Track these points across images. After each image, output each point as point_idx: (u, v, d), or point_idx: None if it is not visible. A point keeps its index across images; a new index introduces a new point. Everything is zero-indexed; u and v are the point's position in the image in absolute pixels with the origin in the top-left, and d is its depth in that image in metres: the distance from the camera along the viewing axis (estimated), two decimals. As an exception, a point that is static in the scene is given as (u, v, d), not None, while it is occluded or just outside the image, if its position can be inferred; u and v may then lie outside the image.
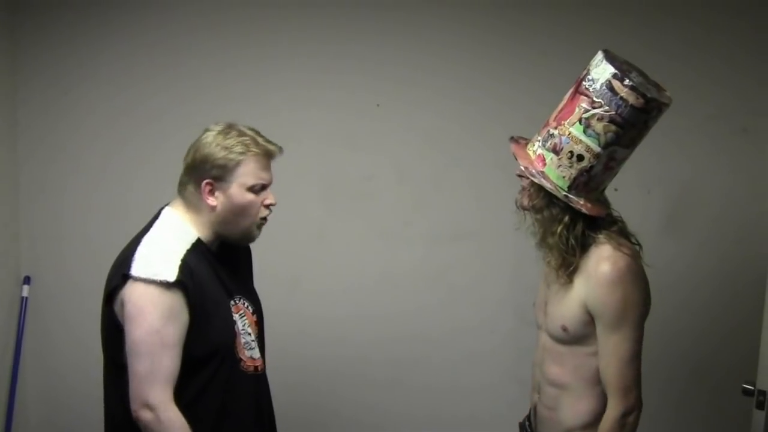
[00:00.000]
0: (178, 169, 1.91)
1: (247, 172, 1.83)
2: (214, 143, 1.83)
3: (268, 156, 1.87)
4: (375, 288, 2.98)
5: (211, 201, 1.84)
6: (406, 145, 2.95)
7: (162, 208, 1.91)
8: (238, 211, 1.85)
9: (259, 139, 1.86)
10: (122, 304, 1.75)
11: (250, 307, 1.96)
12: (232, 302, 1.89)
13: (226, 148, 1.82)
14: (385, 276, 2.98)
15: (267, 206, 1.90)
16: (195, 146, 1.86)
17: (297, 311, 2.92)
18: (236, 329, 1.88)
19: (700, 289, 2.78)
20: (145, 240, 1.81)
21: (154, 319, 1.72)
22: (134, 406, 1.74)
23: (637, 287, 1.81)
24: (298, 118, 2.92)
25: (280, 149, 1.90)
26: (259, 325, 1.99)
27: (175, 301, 1.74)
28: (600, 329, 1.83)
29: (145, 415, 1.73)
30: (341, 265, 2.99)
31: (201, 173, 1.83)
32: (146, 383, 1.72)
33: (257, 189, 1.86)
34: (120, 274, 1.76)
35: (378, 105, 2.92)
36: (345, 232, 2.99)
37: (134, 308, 1.73)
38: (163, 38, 2.95)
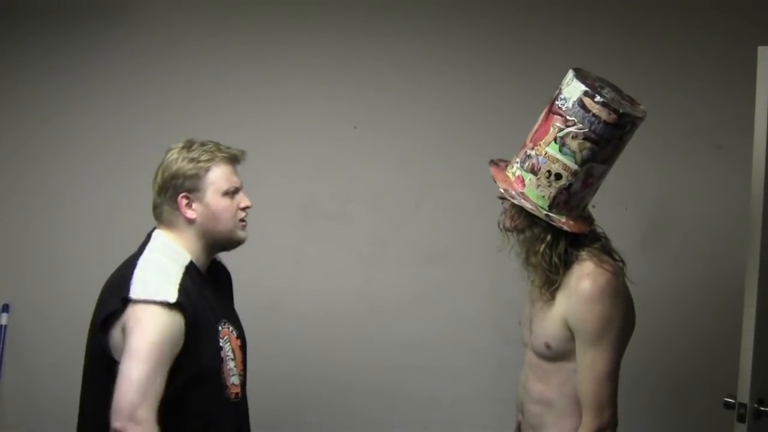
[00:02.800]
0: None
1: (219, 177, 1.87)
2: (179, 158, 1.86)
3: (234, 160, 1.92)
4: (354, 311, 2.98)
5: (190, 214, 1.86)
6: (384, 168, 2.96)
7: (151, 231, 1.91)
8: (218, 217, 1.87)
9: (222, 146, 1.91)
10: (122, 329, 1.73)
11: (234, 332, 1.95)
12: (219, 327, 1.88)
13: (192, 159, 1.86)
14: (364, 298, 2.97)
15: (243, 209, 1.92)
16: (161, 167, 1.89)
17: (275, 336, 2.89)
18: (222, 354, 1.87)
19: (677, 304, 2.80)
20: (141, 263, 1.81)
21: (155, 333, 1.70)
22: (119, 419, 1.65)
23: (618, 304, 1.81)
24: (274, 141, 2.93)
25: (243, 153, 1.94)
26: (243, 350, 1.98)
27: (175, 323, 1.73)
28: (578, 345, 1.83)
29: (133, 430, 1.65)
30: (319, 289, 2.98)
31: (174, 189, 1.86)
32: (139, 394, 1.66)
33: (231, 193, 1.89)
34: (118, 298, 1.74)
35: (355, 127, 2.94)
36: (323, 256, 2.99)
37: (136, 323, 1.71)
38: (128, 56, 2.97)
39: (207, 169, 1.87)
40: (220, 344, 1.87)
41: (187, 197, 1.86)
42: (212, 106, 2.97)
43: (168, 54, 3.00)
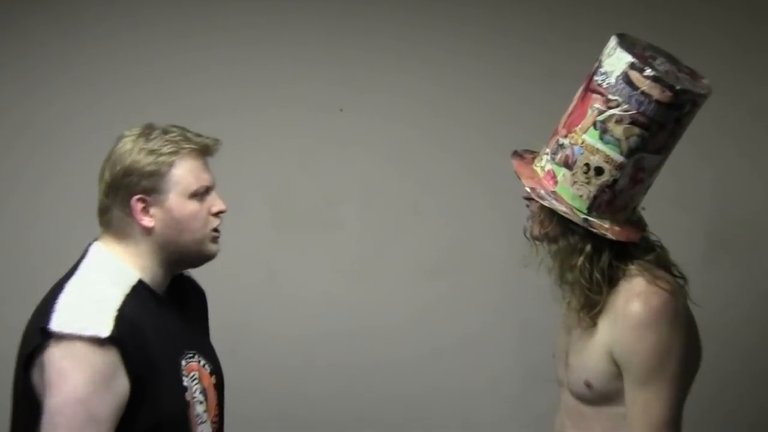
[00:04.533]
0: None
1: (185, 175, 1.81)
2: (135, 149, 1.80)
3: (204, 152, 1.86)
4: (339, 336, 2.98)
5: (147, 221, 1.80)
6: (376, 161, 2.96)
7: (89, 244, 1.86)
8: (183, 226, 1.82)
9: (189, 134, 1.85)
10: (41, 370, 1.69)
11: (207, 366, 1.90)
12: (183, 361, 1.84)
13: (152, 151, 1.79)
14: (351, 321, 2.98)
15: (216, 214, 1.87)
16: (111, 159, 1.82)
17: (241, 368, 2.78)
18: (188, 397, 1.82)
19: (746, 330, 2.81)
20: (69, 286, 1.76)
21: (79, 385, 1.65)
22: None
23: (677, 332, 1.79)
24: (240, 127, 2.90)
25: (217, 142, 1.88)
26: (219, 390, 1.94)
27: (109, 363, 1.68)
28: (628, 384, 1.81)
29: None
30: (298, 310, 2.98)
31: (127, 190, 1.79)
32: None
33: (200, 194, 1.84)
34: (38, 330, 1.69)
35: (341, 110, 2.94)
36: (302, 270, 2.99)
37: (54, 372, 1.67)
38: (66, 29, 2.95)
39: (171, 165, 1.80)
40: (185, 384, 1.82)
41: (143, 200, 1.80)
42: (161, 86, 2.94)
43: (114, 25, 2.97)
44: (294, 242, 2.99)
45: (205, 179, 1.85)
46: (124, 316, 1.72)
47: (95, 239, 1.87)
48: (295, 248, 2.99)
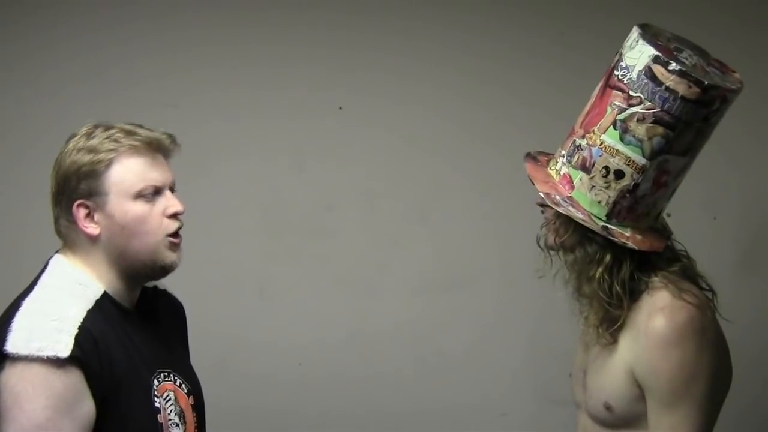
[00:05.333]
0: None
1: (126, 174, 1.78)
2: (75, 150, 1.79)
3: (153, 148, 1.82)
4: (337, 355, 2.98)
5: (91, 229, 1.78)
6: (378, 163, 2.97)
7: (51, 257, 1.86)
8: (128, 231, 1.79)
9: (137, 129, 1.82)
10: None
11: (184, 386, 1.90)
12: (155, 381, 1.83)
13: (91, 150, 1.78)
14: (351, 340, 2.98)
15: (171, 216, 1.83)
16: (56, 163, 1.82)
17: (228, 391, 2.85)
18: (160, 419, 1.81)
19: None
20: (26, 303, 1.74)
21: (37, 410, 1.64)
22: None
23: (705, 350, 1.78)
24: (227, 125, 2.93)
25: (172, 138, 1.85)
26: (197, 410, 1.93)
27: (70, 386, 1.66)
28: (651, 408, 1.80)
29: None
30: (291, 326, 2.98)
31: (69, 195, 1.79)
32: None
33: (147, 195, 1.80)
34: None
35: (340, 108, 2.94)
36: (296, 283, 2.99)
37: (10, 397, 1.65)
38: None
39: (108, 163, 1.77)
40: (156, 405, 1.81)
41: (85, 205, 1.79)
42: (141, 76, 2.95)
43: (107, 23, 2.98)
44: (288, 251, 2.99)
45: (152, 178, 1.81)
46: (86, 332, 1.71)
47: (57, 251, 1.86)
48: (289, 258, 2.99)
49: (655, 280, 1.84)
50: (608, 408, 1.85)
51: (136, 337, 1.83)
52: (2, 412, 1.66)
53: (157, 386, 1.83)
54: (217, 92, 2.95)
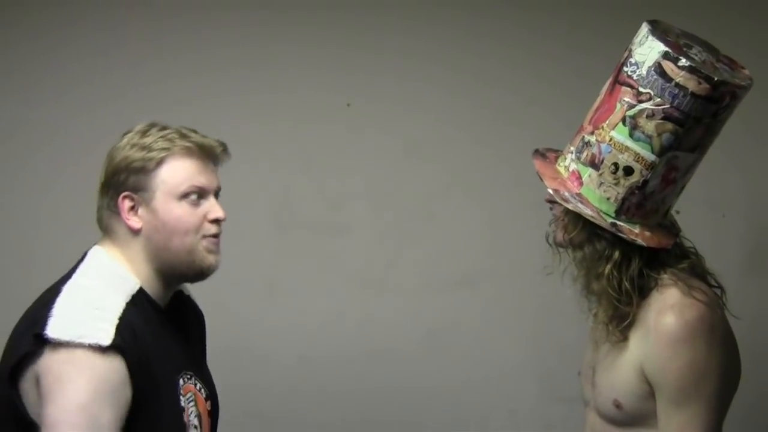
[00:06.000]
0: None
1: (174, 174, 1.82)
2: (128, 145, 1.83)
3: (204, 153, 1.86)
4: (347, 354, 2.98)
5: (134, 222, 1.82)
6: (388, 159, 2.97)
7: (89, 249, 1.88)
8: (170, 229, 1.82)
9: (191, 134, 1.87)
10: (36, 380, 1.69)
11: (203, 391, 1.91)
12: (180, 380, 1.85)
13: (144, 147, 1.82)
14: (361, 337, 2.99)
15: (213, 221, 1.87)
16: (108, 156, 1.86)
17: (238, 389, 2.77)
18: (185, 419, 1.83)
19: None
20: (66, 290, 1.76)
21: (81, 391, 1.65)
22: None
23: (715, 348, 1.78)
24: (237, 122, 2.92)
25: (224, 147, 1.90)
26: (213, 416, 1.95)
27: (113, 372, 1.68)
28: (660, 405, 1.80)
29: None
30: (300, 324, 2.99)
31: (117, 187, 1.82)
32: None
33: (192, 197, 1.84)
34: (31, 336, 1.69)
35: (348, 105, 2.95)
36: (305, 281, 3.00)
37: (52, 378, 1.66)
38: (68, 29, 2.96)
39: (159, 162, 1.81)
40: (182, 404, 1.83)
41: (131, 198, 1.82)
42: (150, 78, 2.96)
43: (115, 24, 2.98)
44: (296, 249, 3.00)
45: (198, 181, 1.85)
46: (127, 323, 1.73)
47: (95, 244, 1.88)
48: (298, 256, 3.00)
49: (665, 277, 1.84)
50: (617, 405, 1.85)
51: (167, 336, 1.86)
52: (44, 395, 1.67)
53: (182, 386, 1.85)
54: (226, 92, 2.96)
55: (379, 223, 2.99)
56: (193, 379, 1.89)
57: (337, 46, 2.96)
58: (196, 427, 1.86)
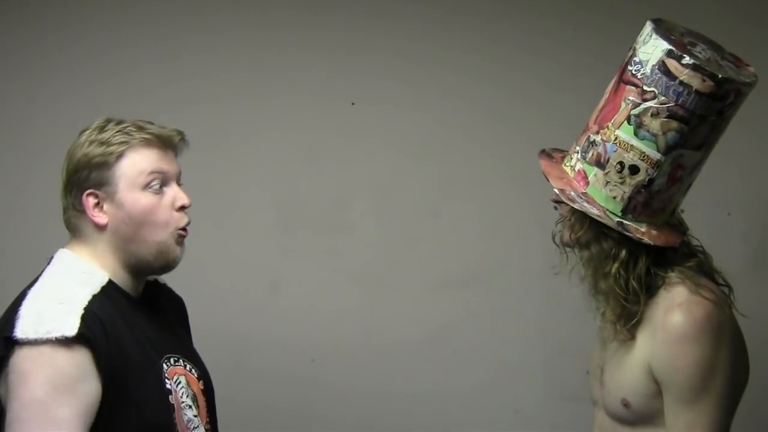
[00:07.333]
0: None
1: (135, 165, 1.83)
2: (87, 142, 1.84)
3: (162, 142, 1.87)
4: (352, 354, 2.97)
5: (99, 218, 1.82)
6: (392, 159, 2.96)
7: (56, 252, 1.89)
8: (137, 221, 1.83)
9: (148, 125, 1.87)
10: (6, 380, 1.70)
11: (194, 371, 1.93)
12: (164, 364, 1.86)
13: (103, 142, 1.83)
14: (365, 337, 2.98)
15: (180, 209, 1.87)
16: (68, 155, 1.87)
17: (242, 386, 2.86)
18: (172, 400, 1.83)
19: None
20: (32, 292, 1.78)
21: (37, 385, 1.66)
22: None
23: (723, 346, 1.78)
24: (243, 123, 2.93)
25: (181, 135, 1.90)
26: (207, 394, 1.95)
27: (74, 365, 1.68)
28: (668, 404, 1.80)
29: None
30: (304, 323, 2.97)
31: (79, 185, 1.83)
32: None
33: (155, 185, 1.84)
34: (1, 340, 1.70)
35: (353, 104, 2.94)
36: (308, 280, 2.99)
37: (16, 377, 1.68)
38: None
39: (119, 155, 1.82)
40: (168, 386, 1.84)
41: (94, 194, 1.83)
42: (156, 77, 2.95)
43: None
44: (301, 247, 2.99)
45: (159, 166, 1.85)
46: (92, 313, 1.73)
47: (62, 247, 1.90)
48: (302, 254, 2.99)
49: (672, 275, 1.84)
50: (626, 404, 1.85)
51: (142, 323, 1.86)
52: (9, 393, 1.68)
53: (166, 369, 1.86)
54: (231, 93, 2.95)
55: (383, 222, 2.98)
56: (181, 361, 1.90)
57: (341, 47, 2.95)
58: (190, 406, 1.88)
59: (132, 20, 2.96)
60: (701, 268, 1.88)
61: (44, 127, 2.93)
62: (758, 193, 2.84)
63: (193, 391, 1.90)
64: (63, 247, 1.89)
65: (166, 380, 1.84)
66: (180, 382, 1.87)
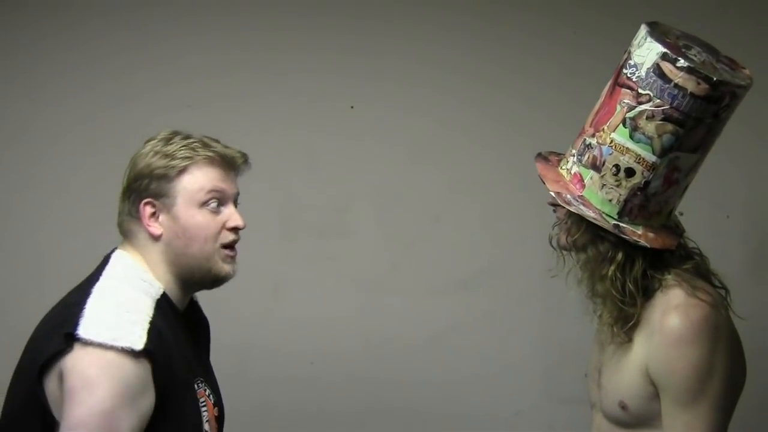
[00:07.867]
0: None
1: (196, 182, 1.85)
2: (151, 153, 1.86)
3: (225, 163, 1.89)
4: (352, 356, 2.97)
5: (154, 227, 1.84)
6: (392, 163, 2.96)
7: (111, 252, 1.90)
8: (190, 236, 1.85)
9: (213, 143, 1.89)
10: (60, 379, 1.69)
11: (212, 397, 1.93)
12: (196, 385, 1.87)
13: (167, 155, 1.85)
14: (366, 340, 2.97)
15: (231, 230, 1.90)
16: (131, 162, 1.88)
17: (243, 389, 2.78)
18: (203, 424, 1.84)
19: None
20: (97, 291, 1.77)
21: (106, 396, 1.65)
22: None
23: (720, 348, 1.78)
24: (241, 127, 2.88)
25: (245, 157, 1.93)
26: (219, 422, 1.96)
27: (139, 378, 1.69)
28: (665, 406, 1.80)
29: None
30: (304, 328, 2.97)
31: (138, 193, 1.85)
32: None
33: (212, 204, 1.87)
34: (61, 335, 1.69)
35: (352, 107, 2.94)
36: (309, 284, 2.98)
37: (80, 380, 1.67)
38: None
39: (182, 170, 1.84)
40: (200, 408, 1.85)
41: (152, 204, 1.84)
42: (157, 79, 2.95)
43: (117, 16, 2.98)
44: (301, 252, 2.98)
45: (219, 188, 1.88)
46: (155, 329, 1.74)
47: (115, 248, 1.90)
48: (302, 258, 2.98)
49: (669, 278, 1.84)
50: (623, 407, 1.85)
51: (185, 340, 1.88)
52: (69, 394, 1.67)
53: (197, 390, 1.87)
54: (230, 95, 2.95)
55: (383, 225, 2.97)
56: (203, 384, 1.90)
57: (341, 50, 2.94)
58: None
59: (132, 23, 2.95)
60: (698, 271, 1.88)
61: (46, 129, 2.93)
62: (757, 196, 2.83)
63: (209, 418, 1.89)
64: (118, 248, 1.90)
65: (199, 402, 1.86)
66: (204, 406, 1.88)
